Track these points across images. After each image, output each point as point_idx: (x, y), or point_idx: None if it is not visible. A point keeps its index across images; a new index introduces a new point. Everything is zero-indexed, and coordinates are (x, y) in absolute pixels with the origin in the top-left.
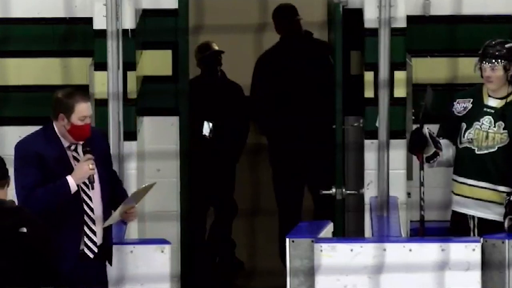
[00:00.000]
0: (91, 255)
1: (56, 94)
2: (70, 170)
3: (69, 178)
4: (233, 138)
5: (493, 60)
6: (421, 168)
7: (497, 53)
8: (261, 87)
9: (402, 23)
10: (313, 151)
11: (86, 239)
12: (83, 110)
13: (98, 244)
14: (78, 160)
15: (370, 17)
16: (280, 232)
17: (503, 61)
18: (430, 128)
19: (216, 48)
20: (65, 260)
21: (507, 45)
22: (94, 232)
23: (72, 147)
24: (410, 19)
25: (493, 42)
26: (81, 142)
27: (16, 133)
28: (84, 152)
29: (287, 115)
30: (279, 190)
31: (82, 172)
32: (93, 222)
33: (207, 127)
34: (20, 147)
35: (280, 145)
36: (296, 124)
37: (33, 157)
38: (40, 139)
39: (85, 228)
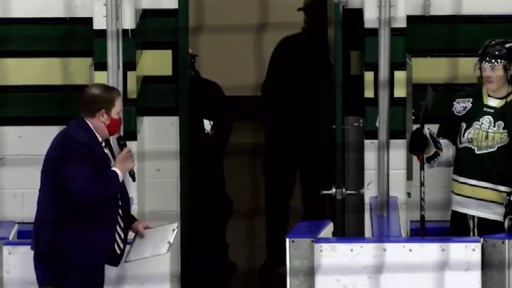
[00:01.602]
0: (119, 252)
1: (91, 91)
2: (108, 165)
3: (117, 170)
4: (217, 137)
5: (493, 60)
6: (422, 168)
7: (497, 53)
8: (274, 78)
9: (402, 23)
10: (310, 149)
11: (116, 236)
12: (120, 104)
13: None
14: (108, 157)
15: (370, 17)
16: (267, 229)
17: (503, 61)
18: (430, 128)
19: (189, 51)
20: (100, 256)
21: (507, 45)
22: (122, 229)
23: (103, 144)
24: (410, 19)
25: (493, 42)
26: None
27: (16, 133)
28: (121, 145)
29: (292, 112)
30: (269, 185)
31: (127, 165)
32: (122, 219)
33: (208, 125)
34: (72, 139)
35: (278, 140)
36: (298, 120)
37: (86, 150)
38: (85, 134)
39: (117, 226)
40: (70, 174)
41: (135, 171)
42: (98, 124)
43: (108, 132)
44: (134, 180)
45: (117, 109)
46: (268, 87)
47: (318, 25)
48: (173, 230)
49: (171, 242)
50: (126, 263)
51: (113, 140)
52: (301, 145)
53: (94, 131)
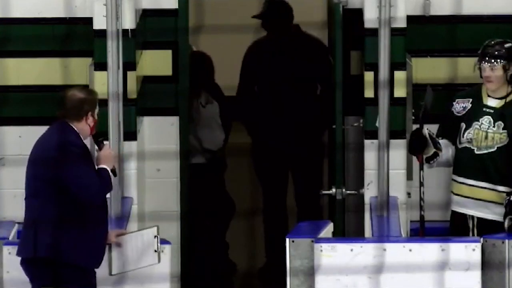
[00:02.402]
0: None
1: (77, 95)
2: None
3: (107, 168)
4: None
5: (493, 60)
6: (421, 168)
7: (496, 53)
8: (250, 80)
9: (402, 23)
10: (298, 152)
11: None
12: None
13: None
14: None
15: (370, 17)
16: (265, 228)
17: (502, 61)
18: (430, 129)
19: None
20: (98, 258)
21: (506, 45)
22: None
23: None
24: (410, 19)
25: (492, 42)
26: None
27: (16, 133)
28: (99, 142)
29: (274, 114)
30: (264, 188)
31: (112, 162)
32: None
33: None
34: (69, 143)
35: (265, 145)
36: (282, 124)
37: (83, 152)
38: (77, 136)
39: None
40: (80, 178)
41: (135, 170)
42: (83, 127)
43: (91, 132)
44: (115, 175)
45: (97, 109)
46: (243, 91)
47: (281, 28)
48: (155, 236)
49: (158, 250)
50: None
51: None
52: (287, 145)
53: (79, 134)
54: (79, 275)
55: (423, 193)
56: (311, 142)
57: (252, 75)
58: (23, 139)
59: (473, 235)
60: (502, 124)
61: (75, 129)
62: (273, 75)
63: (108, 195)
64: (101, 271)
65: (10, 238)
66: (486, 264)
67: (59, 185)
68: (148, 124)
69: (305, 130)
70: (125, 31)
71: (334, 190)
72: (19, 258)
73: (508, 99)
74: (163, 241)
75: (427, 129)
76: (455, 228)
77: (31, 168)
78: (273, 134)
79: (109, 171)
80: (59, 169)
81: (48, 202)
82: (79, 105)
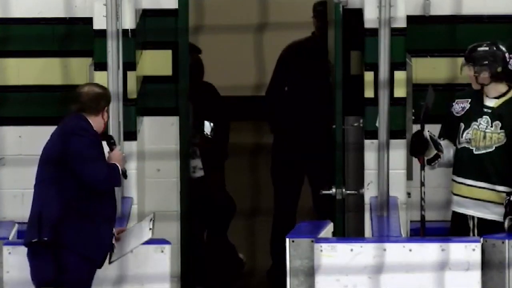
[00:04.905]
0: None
1: (94, 90)
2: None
3: (118, 165)
4: (216, 139)
5: (467, 61)
6: (422, 168)
7: (469, 54)
8: (282, 79)
9: (402, 23)
10: (317, 151)
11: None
12: None
13: None
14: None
15: (370, 17)
16: (273, 229)
17: (472, 62)
18: (430, 129)
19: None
20: (101, 252)
21: (480, 48)
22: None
23: None
24: (410, 19)
25: (475, 44)
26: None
27: (16, 133)
28: (111, 144)
29: (298, 113)
30: (278, 188)
31: (121, 164)
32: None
33: (208, 126)
34: (85, 129)
35: (285, 143)
36: (304, 123)
37: (98, 140)
38: (92, 127)
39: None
40: (88, 162)
41: (135, 170)
42: (99, 121)
43: (104, 127)
44: (125, 177)
45: (109, 106)
46: (276, 91)
47: (325, 28)
48: (151, 219)
49: (152, 227)
50: (110, 264)
51: None
52: (310, 149)
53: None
54: (82, 264)
55: (424, 193)
56: (330, 145)
57: (285, 74)
58: (23, 139)
59: (473, 235)
60: (500, 124)
61: (92, 123)
62: (303, 76)
63: None
64: (101, 272)
65: (10, 238)
66: (486, 264)
67: (67, 173)
68: (148, 124)
69: (327, 133)
70: (125, 31)
71: (334, 190)
72: (19, 258)
73: (505, 98)
74: (163, 241)
75: (428, 131)
76: (456, 228)
77: (43, 154)
78: (295, 134)
79: (119, 167)
80: (70, 158)
81: (55, 190)
82: (96, 100)
